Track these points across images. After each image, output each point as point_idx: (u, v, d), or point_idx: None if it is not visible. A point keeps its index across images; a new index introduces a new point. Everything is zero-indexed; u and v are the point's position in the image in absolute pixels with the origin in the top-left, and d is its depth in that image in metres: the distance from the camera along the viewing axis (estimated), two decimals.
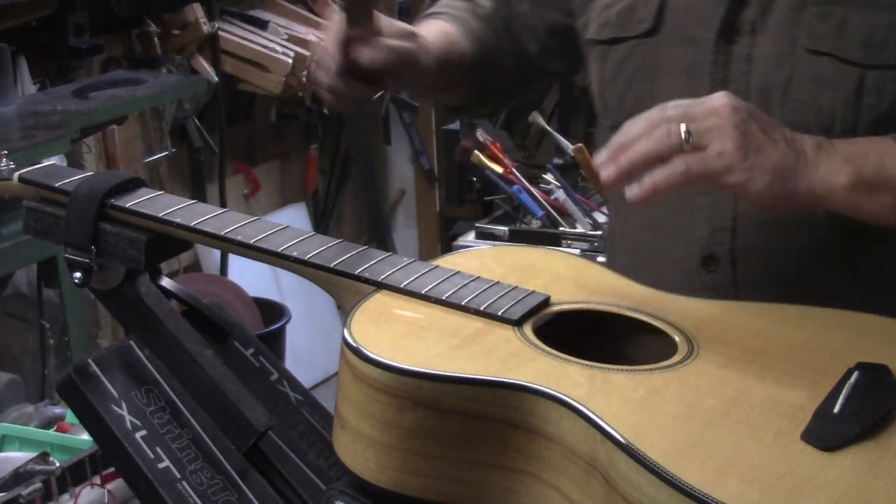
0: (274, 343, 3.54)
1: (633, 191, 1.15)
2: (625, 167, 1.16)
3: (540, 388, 1.00)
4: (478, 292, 1.11)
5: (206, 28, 3.74)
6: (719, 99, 1.17)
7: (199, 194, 3.94)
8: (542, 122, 2.72)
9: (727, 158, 1.14)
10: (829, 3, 1.32)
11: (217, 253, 3.97)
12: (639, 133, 1.16)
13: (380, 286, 1.13)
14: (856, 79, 1.30)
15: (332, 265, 1.15)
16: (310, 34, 3.99)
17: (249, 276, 3.87)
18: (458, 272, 1.15)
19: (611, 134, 1.41)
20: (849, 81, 1.31)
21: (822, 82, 1.32)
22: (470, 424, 1.02)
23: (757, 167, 1.15)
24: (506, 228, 2.57)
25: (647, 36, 1.42)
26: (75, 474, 1.43)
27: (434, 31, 1.52)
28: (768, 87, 1.33)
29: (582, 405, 0.98)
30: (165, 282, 1.25)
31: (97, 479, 1.43)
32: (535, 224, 2.57)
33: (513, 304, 1.10)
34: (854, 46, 1.31)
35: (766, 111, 1.26)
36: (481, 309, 1.09)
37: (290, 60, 3.83)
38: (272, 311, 3.73)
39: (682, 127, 1.14)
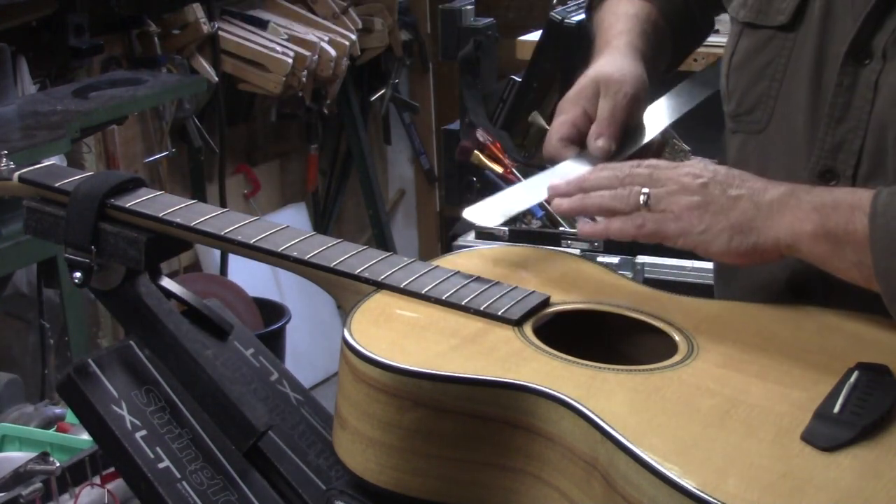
0: (274, 343, 3.54)
1: (584, 226, 1.19)
2: (577, 207, 1.20)
3: (540, 388, 1.00)
4: (478, 292, 1.11)
5: (206, 28, 3.74)
6: (685, 167, 1.18)
7: (199, 194, 3.94)
8: (542, 122, 2.72)
9: (683, 223, 1.15)
10: None
11: (217, 253, 3.97)
12: (602, 185, 1.19)
13: (380, 286, 1.13)
14: None
15: (332, 265, 1.15)
16: (310, 34, 4.00)
17: (249, 276, 3.87)
18: (458, 272, 1.15)
19: (731, 123, 1.40)
20: None
21: None
22: (470, 424, 1.01)
23: (713, 228, 1.14)
24: (506, 228, 2.57)
25: (783, 30, 1.33)
26: (75, 474, 1.43)
27: (633, 33, 1.44)
28: (886, 124, 1.22)
29: (582, 405, 0.98)
30: (165, 282, 1.25)
31: (97, 479, 1.43)
32: (535, 224, 2.57)
33: (513, 305, 1.10)
34: None
35: (880, 150, 1.21)
36: (481, 309, 1.09)
37: (290, 60, 3.83)
38: (272, 311, 3.73)
39: (643, 191, 1.16)
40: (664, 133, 1.38)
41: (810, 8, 1.30)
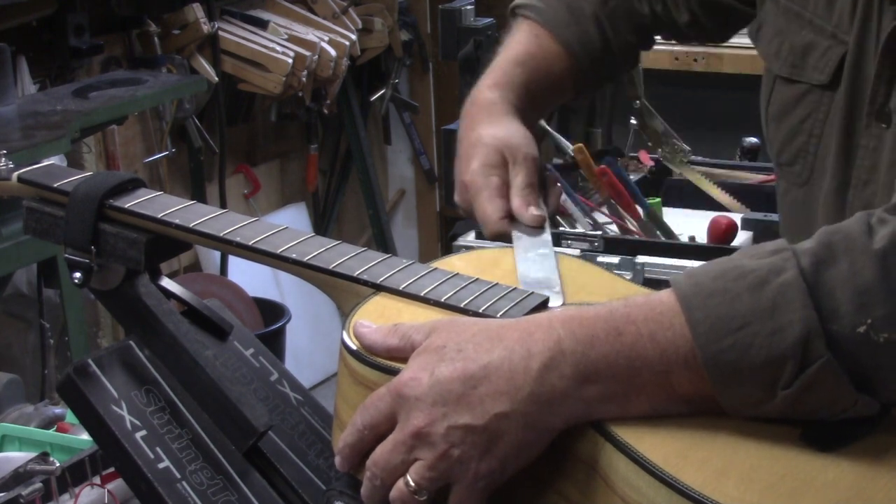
0: (274, 343, 3.55)
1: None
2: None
3: None
4: (477, 294, 1.11)
5: (206, 28, 3.74)
6: (416, 418, 0.98)
7: (199, 194, 3.94)
8: (542, 122, 2.72)
9: (466, 461, 0.98)
10: None
11: (217, 253, 3.98)
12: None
13: (379, 288, 1.12)
14: None
15: (330, 267, 1.15)
16: (310, 34, 4.00)
17: (249, 276, 3.87)
18: (458, 274, 1.14)
19: (776, 167, 1.36)
20: None
21: None
22: None
23: (482, 468, 0.97)
24: None
25: (820, 87, 1.30)
26: (75, 474, 1.43)
27: (510, 87, 1.43)
28: None
29: None
30: (165, 282, 1.25)
31: (97, 479, 1.43)
32: None
33: (512, 306, 1.09)
34: None
35: None
36: (480, 311, 1.09)
37: (290, 60, 3.83)
38: (272, 311, 3.73)
39: (410, 484, 0.99)
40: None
41: (846, 67, 1.27)
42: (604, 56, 1.54)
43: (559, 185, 1.36)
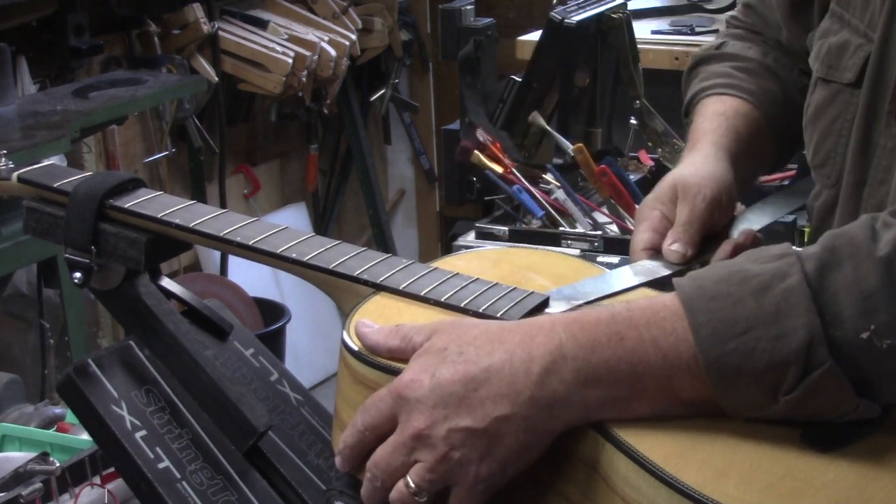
0: (274, 343, 3.55)
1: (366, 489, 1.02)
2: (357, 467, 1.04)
3: None
4: (477, 294, 1.11)
5: (206, 28, 3.74)
6: (416, 419, 0.98)
7: (199, 194, 3.94)
8: (542, 122, 2.72)
9: (466, 464, 0.98)
10: None
11: (217, 253, 3.98)
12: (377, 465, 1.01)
13: (379, 288, 1.12)
14: None
15: (331, 267, 1.15)
16: (310, 34, 4.00)
17: (249, 276, 3.87)
18: (458, 274, 1.14)
19: (812, 171, 1.34)
20: None
21: None
22: None
23: (483, 470, 0.97)
24: (506, 228, 2.57)
25: (850, 86, 1.28)
26: (75, 474, 1.43)
27: (718, 132, 1.39)
28: None
29: None
30: (165, 282, 1.25)
31: (97, 479, 1.43)
32: (535, 224, 2.57)
33: (512, 306, 1.09)
34: None
35: None
36: (480, 311, 1.08)
37: (290, 60, 3.83)
38: (272, 311, 3.74)
39: (410, 485, 0.99)
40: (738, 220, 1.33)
41: (871, 64, 1.25)
42: (784, 99, 1.48)
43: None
